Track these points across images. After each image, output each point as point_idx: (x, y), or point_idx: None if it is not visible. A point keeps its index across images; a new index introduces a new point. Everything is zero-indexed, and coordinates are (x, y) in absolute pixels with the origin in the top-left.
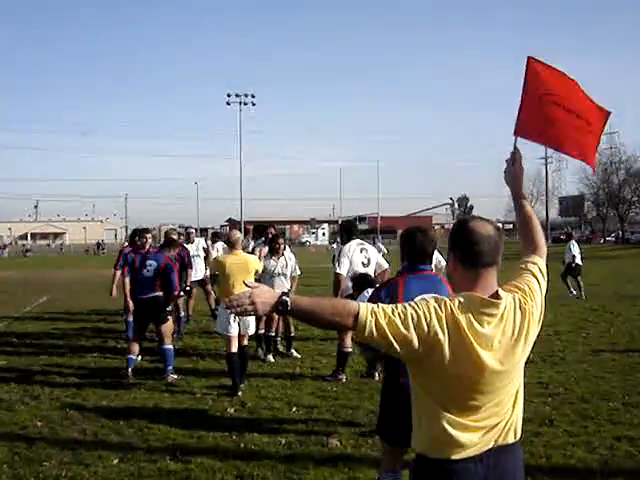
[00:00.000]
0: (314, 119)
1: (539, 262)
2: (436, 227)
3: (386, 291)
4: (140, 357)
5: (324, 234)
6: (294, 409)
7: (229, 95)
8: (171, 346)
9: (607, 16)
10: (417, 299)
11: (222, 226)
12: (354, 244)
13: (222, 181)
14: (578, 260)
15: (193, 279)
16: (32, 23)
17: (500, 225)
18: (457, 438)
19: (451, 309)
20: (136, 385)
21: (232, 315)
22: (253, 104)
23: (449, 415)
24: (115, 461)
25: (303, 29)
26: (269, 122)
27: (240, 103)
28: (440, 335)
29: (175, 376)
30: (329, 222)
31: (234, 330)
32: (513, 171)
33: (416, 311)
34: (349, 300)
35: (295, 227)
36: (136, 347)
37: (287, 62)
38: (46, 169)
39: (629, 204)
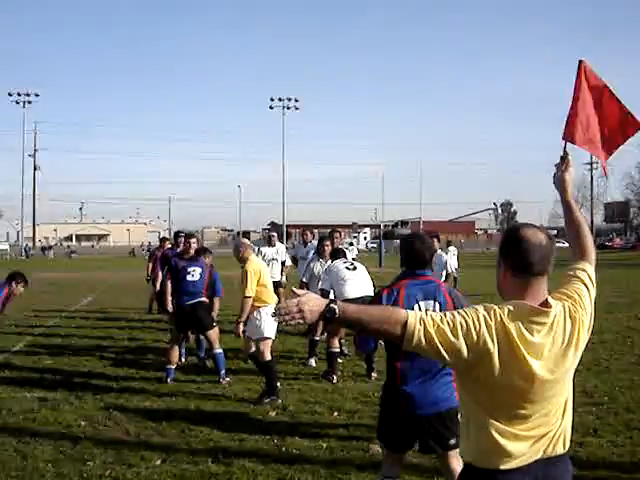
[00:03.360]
0: (357, 124)
1: (588, 269)
2: (479, 232)
3: (387, 297)
4: (183, 359)
5: (365, 238)
6: (335, 414)
7: (272, 99)
8: (221, 350)
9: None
10: (467, 308)
11: (264, 229)
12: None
13: (265, 185)
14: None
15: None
16: (87, 22)
17: (552, 233)
18: (506, 447)
19: (500, 317)
20: (178, 387)
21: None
22: (296, 108)
23: (498, 424)
24: (158, 462)
25: (343, 34)
26: (312, 126)
27: (283, 107)
28: (489, 344)
29: (228, 379)
30: (371, 226)
31: (272, 333)
32: (562, 176)
33: (465, 319)
34: (397, 308)
35: (340, 230)
36: (175, 355)
37: (330, 67)
38: (92, 171)
39: None
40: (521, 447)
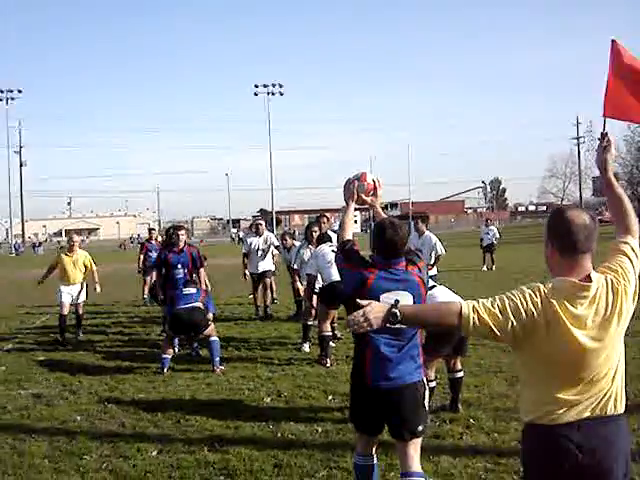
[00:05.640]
0: (344, 107)
1: (631, 241)
2: (469, 211)
3: (351, 275)
4: (177, 349)
5: (356, 221)
6: (330, 397)
7: (257, 86)
8: (217, 338)
9: None
10: (514, 290)
11: (254, 216)
12: None
13: (253, 172)
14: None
15: (254, 271)
16: (59, 15)
17: (594, 214)
18: (555, 409)
19: (545, 294)
20: (173, 377)
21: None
22: (281, 94)
23: (549, 388)
24: (154, 453)
25: (326, 17)
26: (298, 112)
27: (268, 93)
28: (537, 319)
29: (222, 367)
30: (361, 209)
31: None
32: (603, 155)
33: (513, 300)
34: (449, 301)
35: (327, 215)
36: (170, 345)
37: (315, 50)
38: (78, 166)
39: None
40: (569, 407)
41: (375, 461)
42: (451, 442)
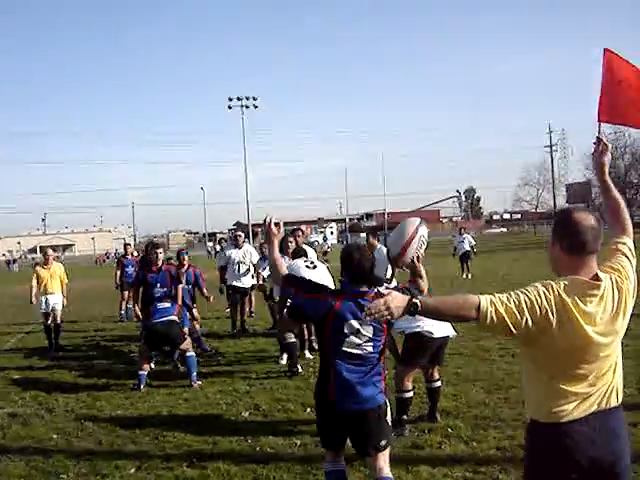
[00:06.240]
0: (317, 120)
1: (628, 242)
2: (444, 220)
3: (318, 306)
4: (153, 365)
5: (332, 233)
6: (308, 410)
7: (231, 99)
8: (193, 353)
9: None
10: (528, 286)
11: (230, 230)
12: None
13: (228, 185)
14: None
15: (235, 284)
16: (32, 29)
17: (599, 216)
18: (564, 404)
19: (558, 291)
20: (150, 393)
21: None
22: (255, 107)
23: (558, 384)
24: (132, 470)
25: (298, 27)
26: (273, 125)
27: (242, 107)
28: (550, 315)
29: (200, 382)
30: (337, 221)
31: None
32: (599, 159)
33: (528, 296)
34: (468, 295)
35: (303, 227)
36: (147, 361)
37: (288, 64)
38: (52, 182)
39: (636, 188)
40: (578, 402)
41: (344, 466)
42: (430, 452)
